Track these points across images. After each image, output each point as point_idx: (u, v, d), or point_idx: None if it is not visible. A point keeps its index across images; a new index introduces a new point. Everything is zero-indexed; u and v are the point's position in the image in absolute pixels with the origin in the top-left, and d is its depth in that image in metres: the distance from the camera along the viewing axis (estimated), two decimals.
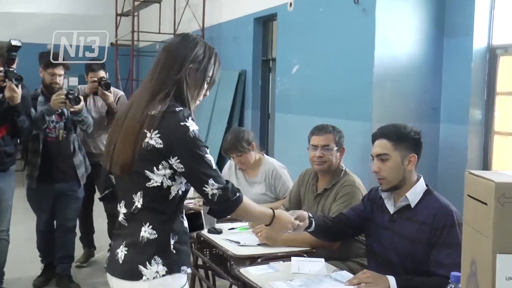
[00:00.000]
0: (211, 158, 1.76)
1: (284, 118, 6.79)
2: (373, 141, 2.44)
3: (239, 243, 2.67)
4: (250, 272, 2.26)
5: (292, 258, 2.42)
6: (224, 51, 8.99)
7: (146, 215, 1.77)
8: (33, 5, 12.02)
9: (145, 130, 1.72)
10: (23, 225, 4.96)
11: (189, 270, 1.82)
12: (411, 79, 5.12)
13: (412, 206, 2.30)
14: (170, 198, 1.77)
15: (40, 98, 3.89)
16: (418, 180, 2.36)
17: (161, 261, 1.74)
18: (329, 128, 3.02)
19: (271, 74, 7.85)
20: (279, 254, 2.54)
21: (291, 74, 6.46)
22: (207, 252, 2.96)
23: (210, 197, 1.74)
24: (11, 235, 3.85)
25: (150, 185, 1.75)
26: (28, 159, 3.89)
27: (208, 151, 1.77)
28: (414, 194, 2.31)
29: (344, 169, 3.00)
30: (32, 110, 3.73)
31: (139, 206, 1.77)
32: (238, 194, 1.80)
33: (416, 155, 2.33)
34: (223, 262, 2.71)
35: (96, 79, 4.22)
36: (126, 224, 1.82)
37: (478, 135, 4.89)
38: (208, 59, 1.85)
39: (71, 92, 3.73)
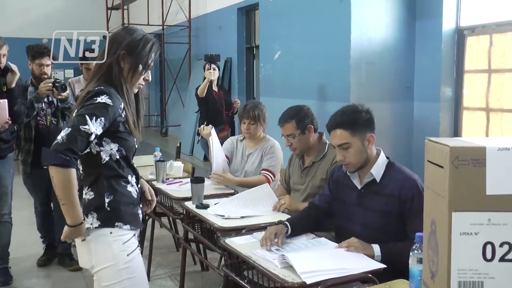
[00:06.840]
0: (91, 125, 1.78)
1: (268, 101, 6.76)
2: (329, 131, 2.40)
3: (223, 216, 2.71)
4: (234, 242, 2.30)
5: None
6: (211, 40, 8.96)
7: (86, 179, 1.95)
8: (26, 0, 11.83)
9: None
10: (26, 210, 4.96)
11: (126, 227, 1.93)
12: (386, 61, 5.14)
13: (378, 180, 2.31)
14: (103, 163, 1.91)
15: (30, 89, 3.88)
16: (378, 154, 2.35)
17: (96, 215, 1.91)
18: (286, 116, 2.99)
19: (255, 60, 7.83)
20: (262, 225, 2.57)
21: (274, 60, 6.45)
22: (198, 227, 2.98)
23: (56, 139, 1.77)
24: (15, 220, 3.87)
25: (82, 152, 1.85)
26: (21, 146, 3.89)
27: (100, 120, 1.81)
28: (377, 168, 2.31)
29: (328, 143, 2.99)
30: None
31: (81, 172, 1.95)
32: (71, 159, 1.74)
33: (373, 133, 2.32)
34: (212, 236, 2.74)
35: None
36: (80, 192, 1.95)
37: (448, 111, 4.94)
38: (142, 47, 1.97)
39: (57, 80, 3.74)
